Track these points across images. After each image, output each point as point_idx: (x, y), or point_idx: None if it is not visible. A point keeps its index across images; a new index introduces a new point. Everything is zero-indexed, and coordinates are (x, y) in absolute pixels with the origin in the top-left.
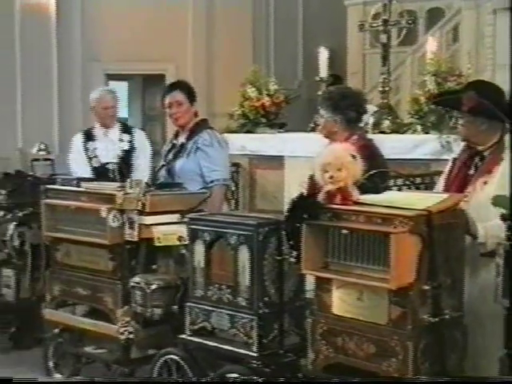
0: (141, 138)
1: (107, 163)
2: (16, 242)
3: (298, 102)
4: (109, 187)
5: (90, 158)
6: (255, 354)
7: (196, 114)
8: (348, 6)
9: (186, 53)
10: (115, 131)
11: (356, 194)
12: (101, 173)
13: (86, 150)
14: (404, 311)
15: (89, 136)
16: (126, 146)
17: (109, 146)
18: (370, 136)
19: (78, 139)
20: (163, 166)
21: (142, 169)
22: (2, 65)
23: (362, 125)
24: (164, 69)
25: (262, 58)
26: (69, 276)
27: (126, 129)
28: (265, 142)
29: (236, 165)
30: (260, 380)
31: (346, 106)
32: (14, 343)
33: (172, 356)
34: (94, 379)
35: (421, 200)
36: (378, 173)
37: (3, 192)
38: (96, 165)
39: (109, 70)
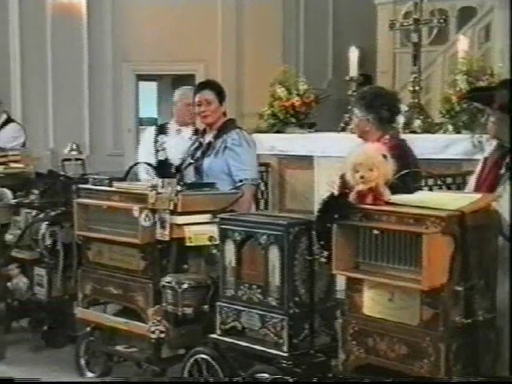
0: None
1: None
2: (48, 242)
3: (328, 102)
4: (141, 187)
5: (157, 151)
6: (285, 354)
7: (224, 114)
8: (378, 4)
9: (215, 53)
10: (188, 130)
11: (387, 194)
12: (164, 167)
13: (156, 142)
14: (436, 312)
15: (162, 129)
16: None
17: (179, 143)
18: (402, 136)
19: (150, 131)
20: (190, 164)
21: None
22: (34, 66)
23: (395, 125)
24: (193, 69)
25: (292, 58)
26: (100, 275)
27: (198, 131)
28: (294, 142)
29: (266, 165)
30: (290, 380)
31: (379, 106)
32: (46, 341)
33: (202, 355)
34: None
35: (453, 200)
36: (410, 173)
37: (35, 192)
38: (161, 158)
39: (139, 71)
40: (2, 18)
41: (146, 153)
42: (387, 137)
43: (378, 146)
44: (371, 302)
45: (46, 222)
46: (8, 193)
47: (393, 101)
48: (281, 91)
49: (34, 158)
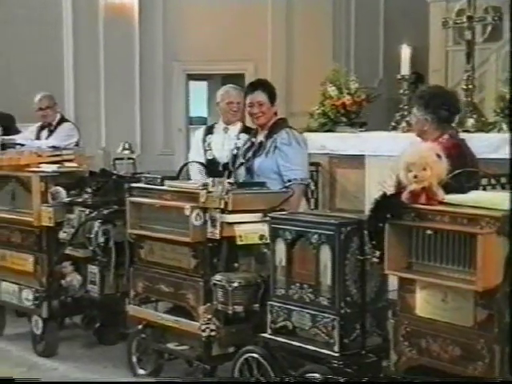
0: None
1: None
2: (101, 240)
3: (379, 101)
4: (192, 186)
5: (205, 150)
6: (337, 354)
7: (276, 114)
8: (430, 2)
9: (265, 52)
10: (235, 129)
11: (441, 194)
12: (212, 166)
13: (204, 142)
14: (490, 314)
15: (210, 129)
16: (240, 144)
17: (225, 142)
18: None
19: (200, 131)
20: (242, 163)
21: None
22: (86, 66)
23: (454, 124)
24: (243, 68)
25: (342, 56)
26: (152, 273)
27: (247, 129)
28: (345, 141)
29: (316, 164)
30: (342, 380)
31: (437, 105)
32: (99, 338)
33: (253, 354)
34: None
35: (507, 200)
36: (464, 172)
37: (89, 190)
38: (209, 157)
39: (189, 70)
40: (55, 19)
41: (195, 153)
42: (446, 136)
43: (432, 146)
44: (424, 303)
45: (99, 221)
46: (62, 191)
47: (451, 100)
48: (332, 90)
49: (87, 157)
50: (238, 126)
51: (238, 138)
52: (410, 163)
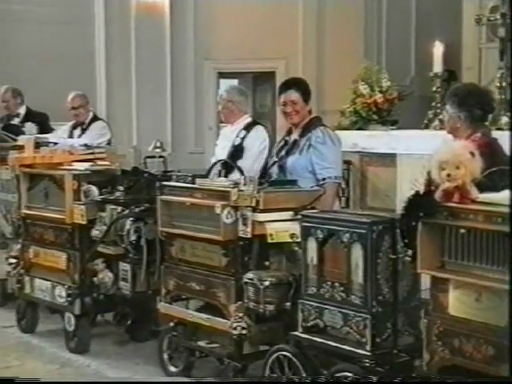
0: (252, 137)
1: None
2: (132, 237)
3: (411, 99)
4: (223, 184)
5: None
6: (368, 353)
7: (310, 112)
8: None
9: (296, 50)
10: (238, 127)
11: (474, 193)
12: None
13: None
14: None
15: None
16: (237, 142)
17: (227, 140)
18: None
19: (222, 131)
20: (275, 162)
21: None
22: (118, 65)
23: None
24: (274, 66)
25: (374, 54)
26: (183, 271)
27: (248, 126)
28: (377, 140)
29: (347, 162)
30: (374, 379)
31: (471, 104)
32: (130, 335)
33: (284, 353)
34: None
35: None
36: (499, 171)
37: (120, 188)
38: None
39: (220, 69)
40: (87, 18)
41: (216, 154)
42: (478, 134)
43: (465, 144)
44: (457, 302)
45: (131, 218)
46: (94, 189)
47: (486, 99)
48: (363, 88)
49: (118, 156)
50: (242, 123)
51: (237, 136)
52: (443, 161)
